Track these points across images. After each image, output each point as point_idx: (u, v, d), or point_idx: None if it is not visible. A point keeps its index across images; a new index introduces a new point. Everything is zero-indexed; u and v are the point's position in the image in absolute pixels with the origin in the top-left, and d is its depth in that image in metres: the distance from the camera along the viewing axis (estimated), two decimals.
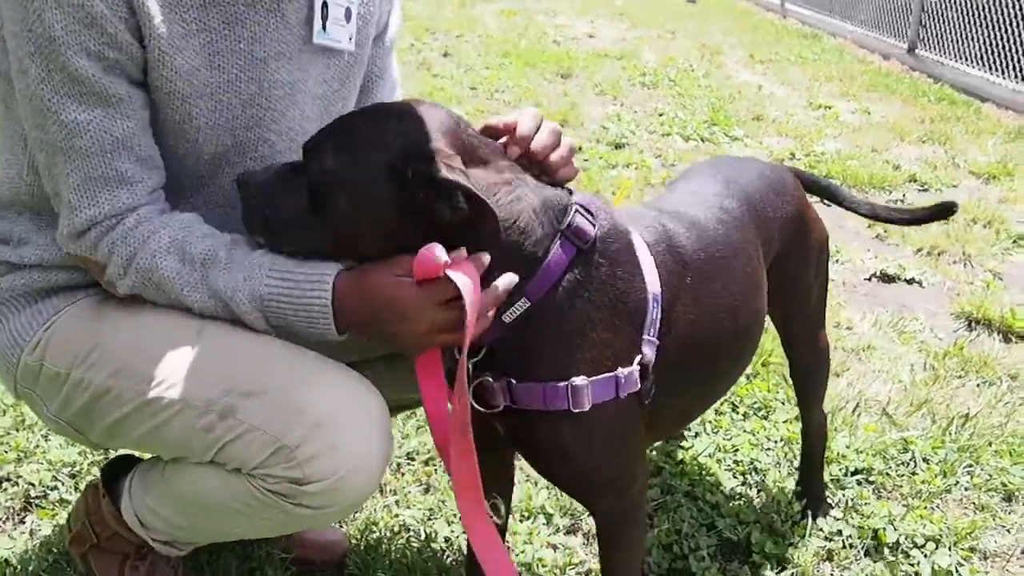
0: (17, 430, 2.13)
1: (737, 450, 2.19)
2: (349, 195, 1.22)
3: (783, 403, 2.39)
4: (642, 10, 9.88)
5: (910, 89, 6.64)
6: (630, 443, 1.37)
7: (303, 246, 1.28)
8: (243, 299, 1.27)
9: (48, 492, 1.96)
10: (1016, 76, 6.33)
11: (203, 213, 1.38)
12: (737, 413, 2.35)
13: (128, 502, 1.51)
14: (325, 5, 1.42)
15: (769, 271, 1.64)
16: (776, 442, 2.24)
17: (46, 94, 1.22)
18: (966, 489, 2.13)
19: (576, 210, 1.29)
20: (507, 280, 1.23)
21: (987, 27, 6.77)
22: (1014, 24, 6.46)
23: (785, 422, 2.31)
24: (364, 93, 1.61)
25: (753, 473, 2.13)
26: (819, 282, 1.86)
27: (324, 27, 1.42)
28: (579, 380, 1.27)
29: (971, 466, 2.20)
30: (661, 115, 5.55)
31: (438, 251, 1.19)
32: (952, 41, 7.13)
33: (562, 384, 1.27)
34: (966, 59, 6.91)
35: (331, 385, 1.27)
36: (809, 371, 1.94)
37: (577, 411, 1.27)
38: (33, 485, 1.97)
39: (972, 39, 6.90)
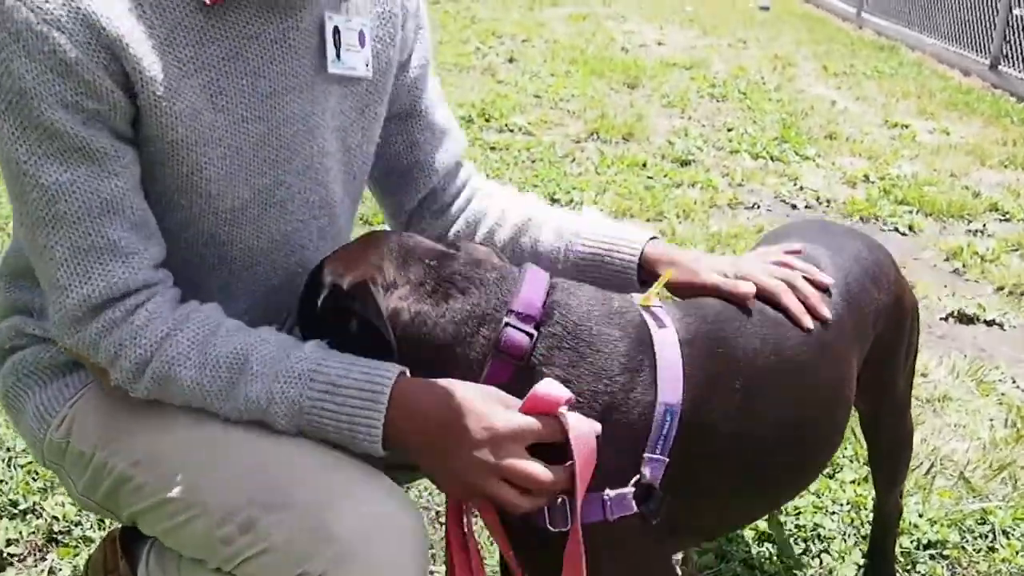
0: None
1: (800, 513, 2.04)
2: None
3: (851, 460, 2.23)
4: (713, 16, 9.66)
5: (992, 108, 6.35)
6: (637, 563, 1.20)
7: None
8: (279, 411, 1.14)
9: (72, 528, 1.89)
10: None
11: (228, 286, 1.27)
12: None
13: (144, 571, 1.41)
14: (337, 31, 1.28)
15: (864, 365, 1.46)
16: (842, 506, 2.08)
17: (22, 156, 1.09)
18: None
19: (506, 322, 1.16)
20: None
21: None
22: None
23: (852, 482, 2.15)
24: (408, 139, 1.50)
25: (816, 540, 1.98)
26: (909, 363, 1.66)
27: (339, 55, 1.29)
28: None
29: None
30: (730, 130, 5.38)
31: (558, 387, 1.08)
32: None
33: None
34: None
35: (362, 501, 1.13)
36: (891, 459, 1.75)
37: (553, 530, 1.11)
38: (57, 519, 1.90)
39: None
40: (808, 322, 1.29)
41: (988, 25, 7.47)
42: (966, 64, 7.64)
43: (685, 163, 4.70)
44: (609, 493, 1.12)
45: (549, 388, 1.09)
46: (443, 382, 1.14)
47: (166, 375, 1.16)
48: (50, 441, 1.29)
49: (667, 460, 1.15)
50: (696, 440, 1.18)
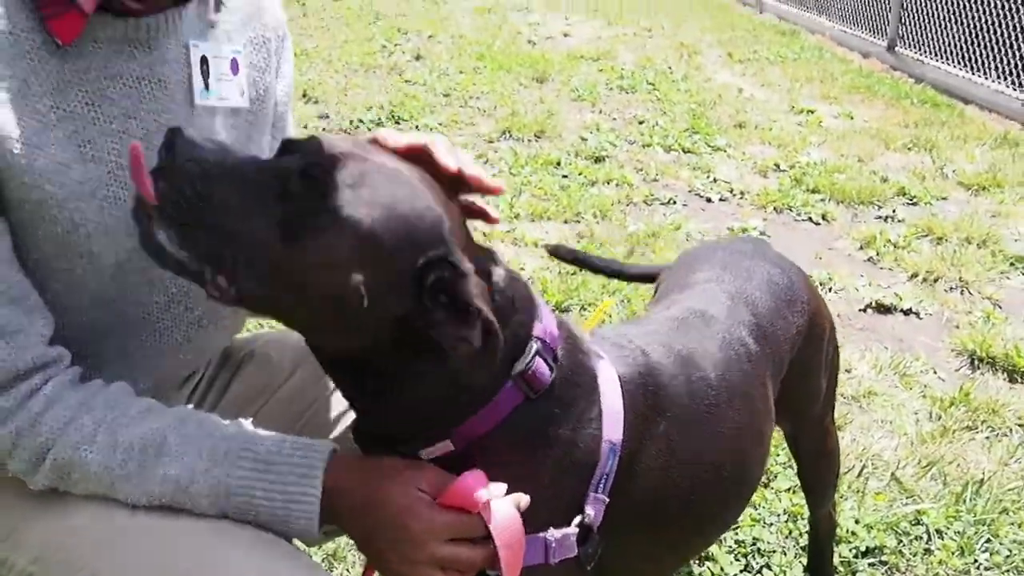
0: None
1: (738, 527, 2.02)
2: (345, 268, 0.94)
3: (783, 467, 2.22)
4: (617, 4, 9.67)
5: (892, 90, 6.50)
6: None
7: (239, 280, 0.95)
8: (201, 493, 1.05)
9: None
10: (998, 76, 6.21)
11: (127, 349, 1.17)
12: None
13: None
14: (204, 60, 1.19)
15: (784, 382, 1.45)
16: (779, 516, 2.07)
17: None
18: (986, 569, 1.98)
19: (537, 349, 1.07)
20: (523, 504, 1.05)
21: (967, 23, 6.64)
22: (994, 20, 6.34)
23: (787, 491, 2.14)
24: None
25: (757, 555, 1.97)
26: (828, 379, 1.64)
27: (207, 85, 1.19)
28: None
29: (989, 541, 2.04)
30: (641, 123, 5.37)
31: (482, 483, 1.01)
32: (932, 38, 6.99)
33: None
34: (946, 57, 6.77)
35: None
36: (816, 474, 1.75)
37: (491, 574, 1.06)
38: None
39: (952, 36, 6.77)
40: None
41: (884, 7, 7.63)
42: (865, 47, 7.81)
43: (599, 159, 4.67)
44: (554, 534, 1.07)
45: (472, 484, 1.02)
46: (371, 462, 1.07)
47: (69, 461, 1.06)
48: None
49: (607, 500, 1.11)
50: (630, 478, 1.14)
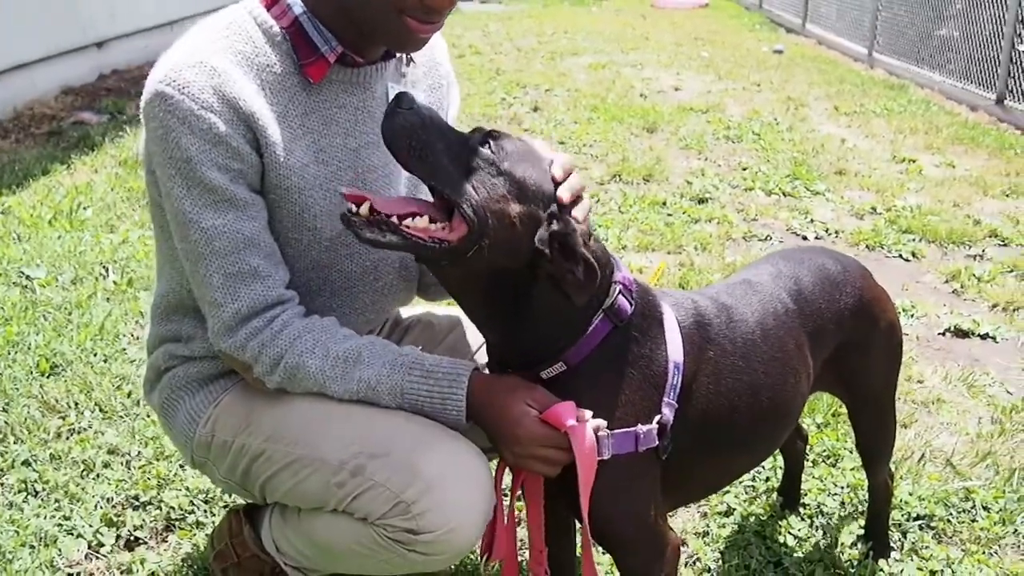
0: (158, 459, 2.42)
1: (806, 494, 2.36)
2: (506, 184, 1.38)
3: (850, 451, 2.54)
4: (728, 61, 10.06)
5: (996, 141, 6.67)
6: (647, 495, 1.54)
7: (430, 175, 1.37)
8: (384, 391, 1.51)
9: (186, 515, 2.24)
10: None
11: (329, 306, 1.64)
12: (807, 460, 2.51)
13: (268, 531, 1.76)
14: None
15: (832, 357, 1.81)
16: (843, 488, 2.40)
17: (187, 207, 1.47)
18: (1023, 536, 2.26)
19: (619, 290, 1.50)
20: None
21: None
22: None
23: (852, 469, 2.46)
24: None
25: (820, 515, 2.30)
26: (887, 367, 1.97)
27: None
28: (601, 432, 1.45)
29: None
30: (744, 169, 5.73)
31: (576, 412, 1.43)
32: None
33: None
34: None
35: (444, 451, 1.50)
36: (874, 446, 2.07)
37: (597, 458, 1.45)
38: (173, 508, 2.25)
39: None
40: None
41: (994, 61, 7.80)
42: (973, 100, 7.97)
43: (702, 200, 5.05)
44: (641, 428, 1.47)
45: (563, 411, 1.43)
46: (499, 379, 1.51)
47: (295, 365, 1.52)
48: (199, 437, 1.67)
49: (677, 405, 1.51)
50: (689, 394, 1.54)
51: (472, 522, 1.50)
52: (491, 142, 1.41)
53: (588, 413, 1.46)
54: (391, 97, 1.65)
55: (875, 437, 2.06)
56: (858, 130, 7.01)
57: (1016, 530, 2.27)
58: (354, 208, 1.38)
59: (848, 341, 1.85)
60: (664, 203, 4.94)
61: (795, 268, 1.82)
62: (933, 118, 7.46)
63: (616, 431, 1.47)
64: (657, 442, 1.50)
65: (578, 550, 1.85)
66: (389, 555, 1.51)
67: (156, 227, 1.65)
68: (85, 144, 5.58)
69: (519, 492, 1.61)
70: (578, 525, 1.65)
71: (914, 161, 6.08)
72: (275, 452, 1.58)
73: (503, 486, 1.63)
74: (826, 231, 4.68)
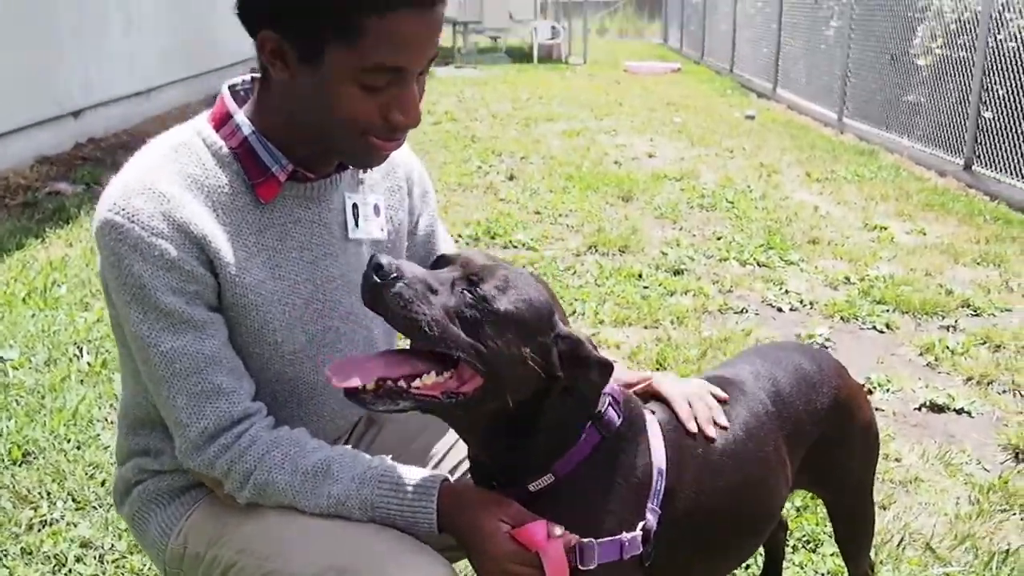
0: (131, 553, 2.38)
1: None
2: (514, 332, 1.37)
3: (829, 536, 2.53)
4: (701, 127, 10.22)
5: (966, 207, 6.79)
6: None
7: (444, 343, 1.34)
8: (354, 506, 1.50)
9: None
10: None
11: (296, 415, 1.63)
12: (787, 546, 2.51)
13: None
14: (355, 206, 1.68)
15: (810, 456, 1.81)
16: (824, 575, 2.39)
17: (145, 331, 1.47)
18: None
19: (609, 401, 1.52)
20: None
21: None
22: None
23: (832, 555, 2.46)
24: None
25: None
26: (864, 462, 1.98)
27: (356, 224, 1.69)
28: (586, 541, 1.45)
29: None
30: (719, 239, 5.79)
31: (547, 529, 1.43)
32: (1010, 157, 7.27)
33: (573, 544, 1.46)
34: (1022, 175, 7.05)
35: (412, 566, 1.47)
36: (853, 540, 2.07)
37: (583, 568, 1.45)
38: None
39: None
40: (710, 431, 1.66)
41: (961, 127, 7.97)
42: (942, 165, 8.12)
43: (678, 272, 5.09)
44: (626, 535, 1.47)
45: (536, 531, 1.43)
46: (472, 492, 1.51)
47: (265, 482, 1.52)
48: (171, 550, 1.65)
49: (660, 511, 1.51)
50: (672, 498, 1.55)
51: None
52: (481, 284, 1.39)
53: (559, 529, 1.45)
54: (348, 207, 1.67)
55: (855, 531, 2.06)
56: (830, 197, 7.12)
57: None
58: (358, 384, 1.36)
59: (825, 440, 1.86)
60: (640, 275, 4.98)
61: (772, 368, 1.83)
62: (903, 184, 7.59)
63: (602, 540, 1.46)
64: (641, 549, 1.49)
65: None
66: None
67: (117, 341, 1.64)
68: (60, 216, 5.57)
69: None
70: None
71: (885, 228, 6.18)
72: (247, 565, 1.56)
73: None
74: (800, 302, 4.72)
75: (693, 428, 1.63)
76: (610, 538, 1.47)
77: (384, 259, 1.33)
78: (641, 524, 1.50)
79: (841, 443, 1.90)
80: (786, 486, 1.78)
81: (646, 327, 4.27)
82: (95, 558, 2.37)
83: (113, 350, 3.57)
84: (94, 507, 2.59)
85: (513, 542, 1.43)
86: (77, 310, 4.00)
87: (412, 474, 1.52)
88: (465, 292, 1.38)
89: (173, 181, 1.48)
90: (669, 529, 1.53)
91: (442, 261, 1.47)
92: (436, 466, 1.82)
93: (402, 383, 1.36)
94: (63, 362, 3.49)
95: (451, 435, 1.85)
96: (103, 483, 2.69)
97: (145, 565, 2.32)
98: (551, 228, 5.92)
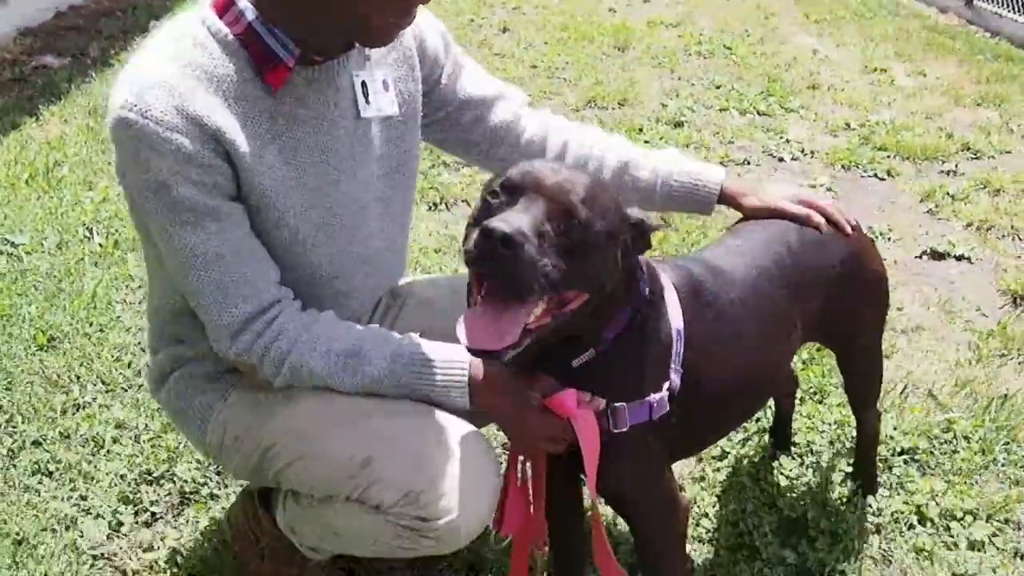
0: (165, 432, 2.47)
1: (795, 433, 2.45)
2: (608, 245, 1.43)
3: (836, 387, 2.64)
4: None
5: (967, 46, 6.68)
6: (659, 460, 1.63)
7: (560, 287, 1.37)
8: (389, 385, 1.57)
9: (200, 488, 2.30)
10: None
11: (318, 297, 1.67)
12: (795, 399, 2.61)
13: (282, 513, 1.82)
14: (364, 84, 1.67)
15: (821, 309, 1.86)
16: (830, 424, 2.50)
17: (169, 227, 1.49)
18: (1003, 465, 2.38)
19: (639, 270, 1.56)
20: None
21: None
22: None
23: (838, 405, 2.56)
24: (472, 116, 1.89)
25: (810, 455, 2.40)
26: (874, 317, 2.04)
27: (368, 101, 1.68)
28: (617, 403, 1.53)
29: (1008, 443, 2.44)
30: (718, 87, 5.71)
31: (576, 397, 1.49)
32: None
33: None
34: None
35: (449, 439, 1.56)
36: (863, 391, 2.16)
37: (615, 431, 1.53)
38: (186, 482, 2.31)
39: None
40: (847, 228, 1.87)
41: None
42: (942, 2, 7.93)
43: (678, 124, 5.05)
44: (654, 397, 1.55)
45: (566, 400, 1.50)
46: (500, 376, 1.54)
47: (299, 365, 1.57)
48: (211, 432, 1.72)
49: (682, 370, 1.58)
50: (687, 360, 1.60)
51: (481, 507, 1.57)
52: (572, 212, 1.38)
53: (588, 396, 1.52)
54: (357, 85, 1.66)
55: (864, 382, 2.15)
56: (829, 39, 6.98)
57: (995, 459, 2.39)
58: (504, 346, 1.36)
59: (837, 294, 1.90)
60: (641, 129, 4.94)
61: (783, 228, 1.86)
62: (903, 23, 7.43)
63: (631, 404, 1.54)
64: (668, 408, 1.57)
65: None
66: (402, 540, 1.58)
67: (141, 235, 1.67)
68: (51, 92, 5.46)
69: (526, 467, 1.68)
70: (587, 501, 1.72)
71: (886, 71, 6.09)
72: (285, 446, 1.63)
73: (505, 459, 1.70)
74: (802, 151, 4.71)
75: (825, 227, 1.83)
76: (639, 400, 1.54)
77: (503, 226, 1.28)
78: (666, 384, 1.57)
79: (853, 298, 1.95)
80: (797, 342, 1.85)
81: None
82: (131, 438, 2.47)
83: (123, 230, 3.59)
84: (123, 389, 2.67)
85: (545, 412, 1.50)
86: (82, 190, 3.99)
87: (443, 350, 1.57)
88: (561, 225, 1.38)
89: (183, 73, 1.47)
90: (687, 389, 1.60)
91: (511, 187, 1.42)
92: None
93: (528, 327, 1.38)
94: (74, 244, 3.51)
95: None
96: (129, 364, 2.76)
97: (180, 443, 2.42)
98: (548, 83, 5.82)
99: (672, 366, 1.58)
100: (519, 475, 1.68)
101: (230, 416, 1.70)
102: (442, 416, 1.60)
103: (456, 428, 1.59)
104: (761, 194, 1.87)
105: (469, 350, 1.36)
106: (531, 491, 1.68)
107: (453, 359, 1.56)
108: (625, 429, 1.53)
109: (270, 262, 1.60)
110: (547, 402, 1.51)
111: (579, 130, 1.95)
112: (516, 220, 1.31)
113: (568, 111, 5.28)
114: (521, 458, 1.67)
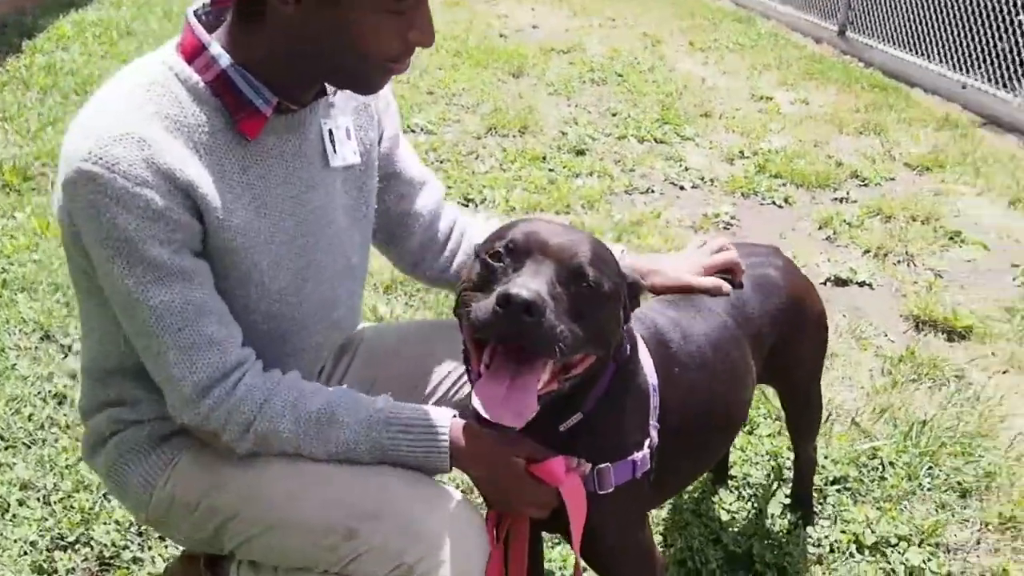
0: (78, 491, 2.31)
1: (732, 465, 2.47)
2: (613, 305, 1.41)
3: (764, 418, 2.68)
4: None
5: (843, 75, 6.98)
6: (640, 517, 1.61)
7: (575, 350, 1.35)
8: (364, 450, 1.48)
9: (120, 552, 2.15)
10: (940, 59, 6.71)
11: (285, 348, 1.58)
12: None
13: None
14: (331, 132, 1.60)
15: (769, 353, 1.88)
16: (763, 456, 2.53)
17: (131, 286, 1.38)
18: (928, 490, 2.46)
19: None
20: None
21: (912, 7, 7.13)
22: (939, 5, 6.83)
23: (768, 436, 2.60)
24: (395, 194, 1.81)
25: (747, 487, 2.42)
26: (815, 354, 2.09)
27: (335, 150, 1.60)
28: (602, 464, 1.49)
29: (931, 468, 2.52)
30: (615, 115, 5.80)
31: (564, 464, 1.44)
32: (881, 22, 7.48)
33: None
34: (894, 41, 7.27)
35: (438, 507, 1.48)
36: (803, 424, 2.20)
37: (601, 492, 1.49)
38: (105, 546, 2.15)
39: (898, 20, 7.26)
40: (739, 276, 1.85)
41: None
42: (817, 32, 8.29)
43: (580, 152, 5.10)
44: (637, 455, 1.52)
45: (556, 468, 1.45)
46: (485, 434, 1.47)
47: (267, 431, 1.47)
48: (157, 499, 1.58)
49: (658, 426, 1.56)
50: (663, 412, 1.59)
51: (474, 573, 1.50)
52: (581, 272, 1.36)
53: (575, 461, 1.48)
54: (324, 134, 1.59)
55: (805, 418, 2.19)
56: (715, 67, 7.20)
57: (921, 484, 2.46)
58: (524, 421, 1.34)
59: (782, 338, 1.93)
60: (544, 158, 4.96)
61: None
62: (782, 52, 7.73)
63: (616, 463, 1.50)
64: (650, 464, 1.54)
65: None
66: None
67: (79, 291, 1.54)
68: None
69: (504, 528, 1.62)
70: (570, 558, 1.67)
71: (771, 99, 6.31)
72: (250, 514, 1.52)
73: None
74: (701, 179, 4.82)
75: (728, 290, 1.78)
76: (622, 459, 1.51)
77: (525, 293, 1.25)
78: (647, 441, 1.54)
79: (797, 339, 1.98)
80: (753, 385, 1.86)
81: (557, 212, 4.28)
82: (39, 500, 2.29)
83: (11, 268, 3.37)
84: (25, 445, 2.48)
85: (531, 479, 1.45)
86: None
87: (420, 412, 1.50)
88: (572, 287, 1.35)
89: (152, 124, 1.36)
90: (663, 440, 1.58)
91: (515, 250, 1.39)
92: (428, 394, 1.81)
93: (538, 392, 1.34)
94: None
95: (425, 362, 1.84)
96: (30, 417, 2.58)
97: (95, 503, 2.26)
98: (447, 109, 5.79)
99: (651, 422, 1.56)
100: (495, 536, 1.62)
101: (180, 482, 1.58)
102: (427, 482, 1.52)
103: (444, 496, 1.52)
104: (668, 270, 1.82)
105: (486, 421, 1.32)
106: (512, 552, 1.62)
107: (432, 424, 1.49)
108: (611, 490, 1.50)
109: (233, 321, 1.50)
110: (535, 469, 1.45)
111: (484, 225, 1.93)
112: (535, 285, 1.28)
113: (470, 138, 5.26)
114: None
